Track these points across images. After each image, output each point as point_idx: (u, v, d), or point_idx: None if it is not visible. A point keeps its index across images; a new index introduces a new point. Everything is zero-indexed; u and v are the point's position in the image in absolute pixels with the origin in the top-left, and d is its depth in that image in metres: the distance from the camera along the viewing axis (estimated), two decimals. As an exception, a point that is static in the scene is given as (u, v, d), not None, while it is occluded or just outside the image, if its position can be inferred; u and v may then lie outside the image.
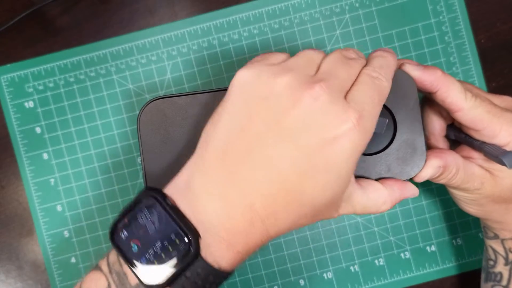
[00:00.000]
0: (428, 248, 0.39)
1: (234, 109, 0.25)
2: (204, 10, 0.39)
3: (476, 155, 0.31)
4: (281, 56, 0.27)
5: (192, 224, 0.24)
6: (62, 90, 0.38)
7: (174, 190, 0.25)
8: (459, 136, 0.32)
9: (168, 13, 0.39)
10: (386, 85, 0.26)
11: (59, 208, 0.38)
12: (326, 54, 0.27)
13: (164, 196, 0.25)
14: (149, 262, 0.24)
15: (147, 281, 0.24)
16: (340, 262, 0.39)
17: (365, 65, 0.27)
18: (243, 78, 0.25)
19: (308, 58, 0.26)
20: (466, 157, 0.31)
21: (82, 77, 0.38)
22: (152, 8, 0.39)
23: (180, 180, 0.25)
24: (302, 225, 0.26)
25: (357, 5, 0.39)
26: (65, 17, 0.39)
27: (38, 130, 0.38)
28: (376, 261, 0.39)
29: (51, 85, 0.38)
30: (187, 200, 0.24)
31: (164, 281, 0.24)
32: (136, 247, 0.24)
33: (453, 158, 0.29)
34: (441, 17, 0.39)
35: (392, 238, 0.39)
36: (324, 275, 0.39)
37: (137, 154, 0.38)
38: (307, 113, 0.24)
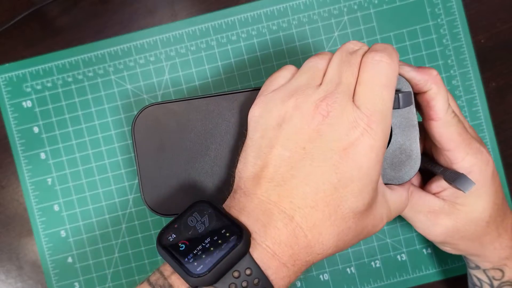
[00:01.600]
0: (424, 250, 0.39)
1: (255, 144, 0.26)
2: (205, 11, 0.39)
3: (444, 188, 0.31)
4: (284, 74, 0.27)
5: (242, 223, 0.25)
6: (60, 90, 0.38)
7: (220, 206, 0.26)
8: (424, 162, 0.32)
9: (168, 13, 0.39)
10: (392, 65, 0.26)
11: (56, 207, 0.38)
12: (332, 53, 0.27)
13: (216, 203, 0.26)
14: (196, 256, 0.24)
15: (194, 272, 0.23)
16: (337, 264, 0.39)
17: (367, 51, 0.27)
18: (254, 115, 0.26)
19: (311, 69, 0.27)
20: (434, 192, 0.32)
21: (80, 77, 0.38)
22: (152, 8, 0.39)
23: (224, 205, 0.27)
24: (348, 242, 0.26)
25: (355, 7, 0.39)
26: (65, 17, 0.39)
27: (35, 129, 0.38)
28: (372, 263, 0.39)
29: (49, 84, 0.38)
30: (232, 212, 0.25)
31: (210, 270, 0.23)
32: (184, 246, 0.25)
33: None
34: (439, 20, 0.39)
35: (388, 240, 0.39)
36: (321, 276, 0.39)
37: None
38: (321, 130, 0.25)
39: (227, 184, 0.30)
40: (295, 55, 0.38)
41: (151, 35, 0.38)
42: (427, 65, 0.39)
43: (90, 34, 0.38)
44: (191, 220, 0.25)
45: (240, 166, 0.27)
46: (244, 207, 0.25)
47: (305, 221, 0.24)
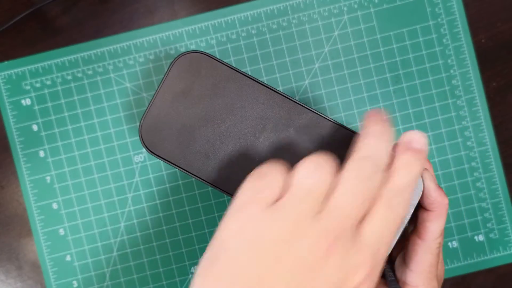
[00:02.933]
0: (423, 250, 0.39)
1: (237, 252, 0.22)
2: (204, 10, 0.39)
3: None
4: (270, 185, 0.23)
5: None
6: (59, 88, 0.38)
7: None
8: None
9: (168, 13, 0.39)
10: (404, 214, 0.23)
11: (54, 206, 0.38)
12: (340, 165, 0.23)
13: None
14: None
15: None
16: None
17: (387, 183, 0.23)
18: (232, 229, 0.22)
19: (310, 194, 0.22)
20: None
21: (79, 75, 0.38)
22: (152, 8, 0.39)
23: None
24: None
25: (355, 6, 0.39)
26: (65, 17, 0.39)
27: (34, 127, 0.38)
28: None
29: (48, 82, 0.38)
30: None
31: None
32: None
33: None
34: (439, 19, 0.39)
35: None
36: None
37: (134, 152, 0.38)
38: (321, 270, 0.21)
39: (219, 161, 0.30)
40: (295, 54, 0.38)
41: (151, 34, 0.38)
42: (427, 65, 0.39)
43: (89, 34, 0.38)
44: None
45: (206, 264, 0.22)
46: None
47: None
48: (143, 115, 0.30)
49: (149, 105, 0.30)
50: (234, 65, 0.38)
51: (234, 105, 0.30)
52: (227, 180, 0.30)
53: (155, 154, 0.30)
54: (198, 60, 0.30)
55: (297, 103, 0.29)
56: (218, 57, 0.38)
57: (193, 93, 0.30)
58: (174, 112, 0.30)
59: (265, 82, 0.31)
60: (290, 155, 0.30)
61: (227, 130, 0.30)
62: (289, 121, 0.30)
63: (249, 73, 0.38)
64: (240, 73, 0.30)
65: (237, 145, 0.30)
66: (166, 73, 0.30)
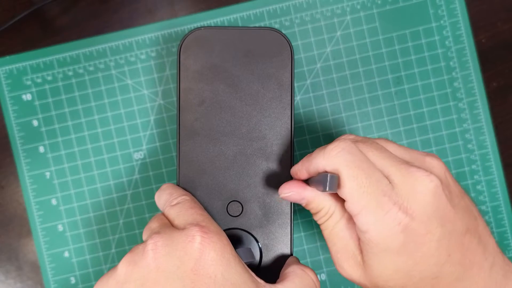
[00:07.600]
0: (422, 252, 0.39)
1: None
2: (204, 10, 0.39)
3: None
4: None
5: None
6: (60, 83, 0.38)
7: None
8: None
9: (168, 13, 0.39)
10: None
11: (54, 201, 0.38)
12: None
13: None
14: None
15: None
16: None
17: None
18: None
19: None
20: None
21: (80, 71, 0.38)
22: (152, 8, 0.39)
23: None
24: None
25: (358, 7, 0.39)
26: (65, 17, 0.38)
27: (35, 123, 0.38)
28: (370, 264, 0.38)
29: (49, 78, 0.38)
30: None
31: None
32: None
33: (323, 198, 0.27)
34: (442, 22, 0.39)
35: (387, 242, 0.39)
36: (318, 276, 0.38)
37: (134, 150, 0.38)
38: (159, 266, 0.24)
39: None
40: (297, 53, 0.38)
41: (152, 31, 0.38)
42: (429, 67, 0.39)
43: (89, 34, 0.38)
44: None
45: None
46: None
47: None
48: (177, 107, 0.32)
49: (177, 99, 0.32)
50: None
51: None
52: None
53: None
54: (203, 36, 0.32)
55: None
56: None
57: (214, 64, 0.32)
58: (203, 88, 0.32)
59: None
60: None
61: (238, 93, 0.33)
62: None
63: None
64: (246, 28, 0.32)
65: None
66: (178, 59, 0.31)
